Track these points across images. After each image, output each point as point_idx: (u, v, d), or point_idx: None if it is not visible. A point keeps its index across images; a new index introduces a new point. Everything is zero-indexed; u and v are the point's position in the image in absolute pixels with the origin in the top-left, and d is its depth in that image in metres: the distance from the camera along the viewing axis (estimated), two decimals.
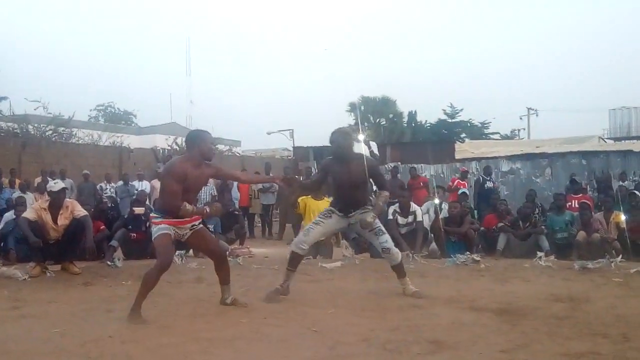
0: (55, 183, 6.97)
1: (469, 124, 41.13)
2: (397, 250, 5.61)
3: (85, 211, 7.06)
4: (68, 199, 7.16)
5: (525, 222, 9.13)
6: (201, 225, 5.20)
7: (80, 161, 17.53)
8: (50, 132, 20.89)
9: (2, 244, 8.43)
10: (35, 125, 20.80)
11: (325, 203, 8.60)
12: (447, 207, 9.34)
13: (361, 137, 10.05)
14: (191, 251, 9.36)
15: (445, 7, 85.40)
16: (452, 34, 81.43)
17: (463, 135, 40.31)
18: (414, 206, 8.50)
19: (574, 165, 19.48)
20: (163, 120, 42.02)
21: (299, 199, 9.01)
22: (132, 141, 30.23)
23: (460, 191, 11.66)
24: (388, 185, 5.69)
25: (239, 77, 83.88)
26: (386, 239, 5.50)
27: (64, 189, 6.99)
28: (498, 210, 9.81)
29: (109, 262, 7.42)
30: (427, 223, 8.66)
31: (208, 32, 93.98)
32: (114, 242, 8.75)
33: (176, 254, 7.94)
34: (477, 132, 40.63)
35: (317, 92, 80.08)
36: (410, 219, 8.37)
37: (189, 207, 4.85)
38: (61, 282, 6.48)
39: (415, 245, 8.06)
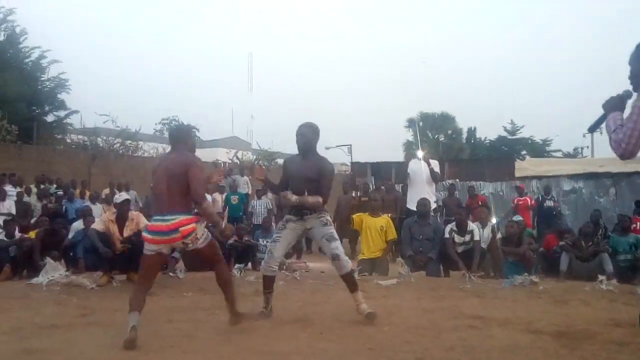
0: (119, 196, 7.29)
1: (530, 141, 40.38)
2: (346, 259, 5.35)
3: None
4: (133, 212, 7.46)
5: (588, 242, 8.95)
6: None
7: (146, 174, 18.08)
8: (118, 144, 21.68)
9: (71, 253, 8.81)
10: (104, 138, 21.64)
11: (382, 220, 8.69)
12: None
13: (420, 154, 9.99)
14: (249, 264, 9.58)
15: (507, 21, 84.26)
16: (513, 50, 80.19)
17: (524, 152, 39.61)
18: (471, 225, 8.43)
19: (638, 185, 18.87)
20: (225, 134, 42.81)
21: (354, 216, 9.07)
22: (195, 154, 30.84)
23: (512, 218, 11.47)
24: (325, 196, 5.30)
25: (298, 92, 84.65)
26: (337, 246, 5.26)
27: (126, 200, 7.31)
28: (559, 230, 9.66)
29: (171, 274, 7.67)
30: (484, 242, 8.57)
31: (270, 47, 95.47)
32: (176, 254, 9.02)
33: (235, 267, 8.16)
34: (539, 149, 39.83)
35: (376, 108, 80.00)
36: (467, 237, 8.32)
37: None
38: (126, 292, 6.66)
39: (472, 264, 7.99)
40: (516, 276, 7.38)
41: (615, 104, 3.00)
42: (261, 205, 14.37)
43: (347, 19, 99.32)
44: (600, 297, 6.52)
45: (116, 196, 7.48)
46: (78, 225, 9.24)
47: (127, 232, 7.17)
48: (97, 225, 7.17)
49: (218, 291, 6.73)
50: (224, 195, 14.95)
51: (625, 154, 2.91)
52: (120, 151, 21.39)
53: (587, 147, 40.41)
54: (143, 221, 7.26)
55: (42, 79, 22.00)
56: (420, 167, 9.25)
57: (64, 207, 12.69)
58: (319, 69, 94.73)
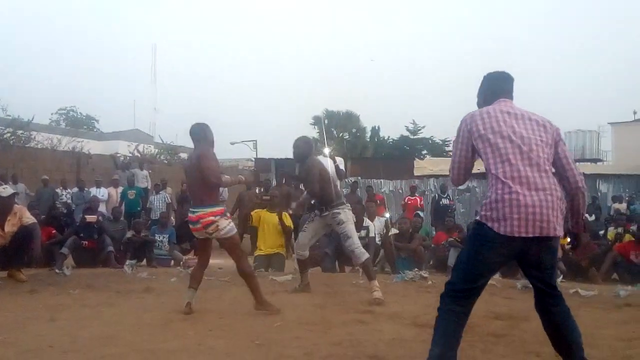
0: (4, 188, 6.87)
1: (430, 141, 41.74)
2: (363, 251, 6.09)
3: (33, 218, 6.98)
4: (17, 205, 7.07)
5: None
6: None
7: (37, 166, 17.24)
8: (9, 134, 20.49)
9: None
10: None
11: (276, 217, 8.67)
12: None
13: (326, 151, 10.14)
14: (144, 261, 9.34)
15: (410, 22, 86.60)
16: (417, 50, 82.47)
17: (424, 152, 40.93)
18: (367, 221, 8.58)
19: None
20: (126, 126, 41.49)
21: (253, 213, 9.04)
22: (94, 147, 29.79)
23: (415, 212, 11.79)
24: (312, 190, 6.21)
25: (203, 87, 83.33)
26: (350, 243, 6.03)
27: (13, 194, 6.91)
28: (447, 227, 10.00)
29: (57, 270, 7.36)
30: (378, 235, 8.72)
31: (174, 39, 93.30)
32: (64, 250, 8.69)
33: (127, 263, 7.94)
34: (439, 149, 41.22)
35: (281, 105, 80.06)
36: (362, 233, 8.45)
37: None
38: (6, 290, 6.39)
39: None
40: (407, 271, 7.59)
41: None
42: (160, 200, 13.99)
43: (253, 14, 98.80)
44: (484, 291, 6.78)
45: (0, 189, 7.04)
46: None
47: (9, 227, 6.77)
48: None
49: (105, 288, 6.59)
50: (119, 190, 14.46)
51: (453, 182, 3.41)
52: (12, 141, 20.17)
53: None
54: (27, 215, 6.91)
55: None
56: (326, 164, 9.31)
57: None
58: (225, 64, 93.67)
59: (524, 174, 3.02)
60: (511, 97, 3.37)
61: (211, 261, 10.14)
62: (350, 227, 6.09)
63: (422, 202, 14.83)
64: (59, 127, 38.20)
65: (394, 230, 9.12)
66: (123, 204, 13.60)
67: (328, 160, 9.86)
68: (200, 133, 5.29)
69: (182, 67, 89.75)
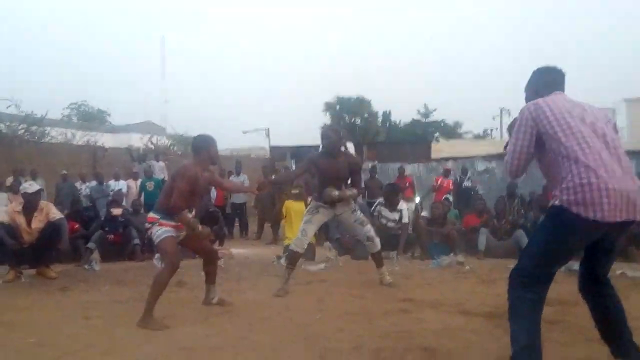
0: (29, 185, 6.72)
1: (442, 124, 41.52)
2: (378, 239, 6.11)
3: (60, 214, 6.84)
4: (43, 201, 6.93)
5: (502, 219, 9.09)
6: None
7: (54, 161, 17.12)
8: (23, 130, 20.47)
9: None
10: (7, 123, 20.34)
11: (303, 205, 8.49)
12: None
13: None
14: None
15: (420, 8, 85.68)
16: (427, 35, 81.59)
17: (436, 134, 40.71)
18: (402, 204, 8.36)
19: None
20: (137, 119, 41.45)
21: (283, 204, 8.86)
22: (106, 140, 29.73)
23: (444, 197, 11.55)
24: (361, 187, 6.24)
25: (214, 76, 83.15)
26: (370, 228, 6.08)
27: (39, 190, 6.77)
28: (478, 210, 9.78)
29: (86, 266, 7.22)
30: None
31: (183, 31, 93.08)
32: (91, 245, 8.56)
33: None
34: (450, 131, 41.04)
35: (293, 92, 79.73)
36: (396, 215, 8.25)
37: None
38: (37, 288, 6.26)
39: (399, 246, 7.96)
40: (443, 257, 7.40)
41: (512, 127, 3.22)
42: None
43: (262, 1, 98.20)
44: None
45: (25, 185, 6.88)
46: None
47: (35, 224, 6.64)
48: (2, 217, 6.60)
49: (135, 282, 6.46)
50: (138, 182, 14.35)
51: (510, 174, 3.20)
52: (26, 137, 20.12)
53: (497, 128, 42.15)
54: (54, 211, 6.76)
55: None
56: None
57: None
58: (234, 53, 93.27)
59: (605, 157, 2.91)
60: (564, 91, 3.30)
61: (236, 251, 10.23)
62: (363, 215, 6.14)
63: (452, 186, 14.48)
64: (72, 121, 38.17)
65: (424, 214, 8.92)
66: (142, 196, 13.54)
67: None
68: (197, 146, 5.08)
69: (191, 58, 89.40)
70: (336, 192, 5.81)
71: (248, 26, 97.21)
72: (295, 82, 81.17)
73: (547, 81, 3.31)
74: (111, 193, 13.48)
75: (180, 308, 5.22)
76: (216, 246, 9.93)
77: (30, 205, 6.62)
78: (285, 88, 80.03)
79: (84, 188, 14.55)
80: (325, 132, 5.97)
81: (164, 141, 28.37)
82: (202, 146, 5.02)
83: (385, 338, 4.18)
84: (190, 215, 4.98)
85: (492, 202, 16.75)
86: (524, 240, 8.56)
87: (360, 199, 10.27)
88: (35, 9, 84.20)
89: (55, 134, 23.51)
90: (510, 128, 3.27)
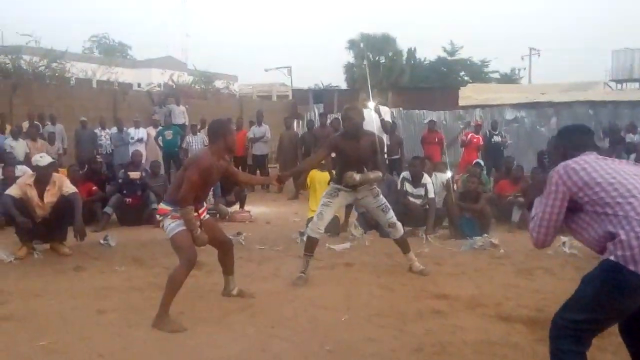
0: (41, 157, 6.37)
1: (468, 62, 40.29)
2: (400, 224, 5.80)
3: (74, 188, 6.49)
4: (56, 174, 6.59)
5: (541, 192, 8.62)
6: (208, 216, 4.99)
7: (74, 103, 16.78)
8: (44, 67, 20.08)
9: None
10: (28, 59, 19.94)
11: (327, 175, 8.07)
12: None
13: (371, 104, 9.51)
14: None
15: None
16: None
17: (462, 73, 39.55)
18: (426, 177, 7.89)
19: (580, 115, 18.92)
20: (159, 54, 40.82)
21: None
22: (127, 75, 29.33)
23: (474, 161, 11.01)
24: (384, 169, 6.01)
25: (236, 11, 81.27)
26: (392, 215, 5.74)
27: (52, 163, 6.43)
28: (513, 176, 9.31)
29: (101, 241, 6.93)
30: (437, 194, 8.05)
31: None
32: (108, 209, 8.33)
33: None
34: (477, 70, 39.85)
35: (316, 29, 77.74)
36: (421, 191, 7.81)
37: None
38: (50, 266, 5.99)
39: (427, 224, 7.55)
40: (475, 237, 7.00)
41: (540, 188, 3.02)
42: (197, 142, 13.45)
43: None
44: (565, 263, 6.20)
45: (36, 156, 6.52)
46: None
47: (48, 197, 6.32)
48: (13, 190, 6.26)
49: (152, 262, 6.18)
50: (157, 130, 14.00)
51: (537, 244, 2.98)
52: (47, 73, 19.72)
53: (524, 69, 40.87)
54: (67, 184, 6.43)
55: None
56: (371, 118, 8.57)
57: None
58: None
59: None
60: (594, 151, 3.02)
61: (257, 210, 9.93)
62: (385, 200, 5.82)
63: (482, 142, 13.84)
64: (93, 55, 37.73)
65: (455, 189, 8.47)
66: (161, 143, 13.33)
67: (373, 114, 9.23)
68: (213, 132, 4.68)
69: None
70: (357, 176, 5.45)
71: None
72: (318, 19, 79.07)
73: (576, 143, 3.08)
74: (131, 141, 13.21)
75: (199, 300, 4.93)
76: (236, 208, 9.67)
77: (42, 178, 6.29)
78: (308, 25, 78.01)
79: (104, 135, 14.26)
80: (347, 114, 5.58)
81: (185, 78, 27.86)
82: (219, 133, 4.60)
83: (418, 353, 3.86)
84: (195, 214, 4.57)
85: (520, 152, 16.17)
86: None
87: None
88: None
89: (76, 71, 23.14)
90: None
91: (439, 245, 7.07)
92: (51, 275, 5.70)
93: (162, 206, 4.61)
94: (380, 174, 5.64)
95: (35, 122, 13.19)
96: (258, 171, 13.63)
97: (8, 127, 12.56)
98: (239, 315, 4.58)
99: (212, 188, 9.54)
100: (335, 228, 7.45)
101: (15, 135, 11.61)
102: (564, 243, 6.57)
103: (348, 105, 5.84)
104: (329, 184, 7.16)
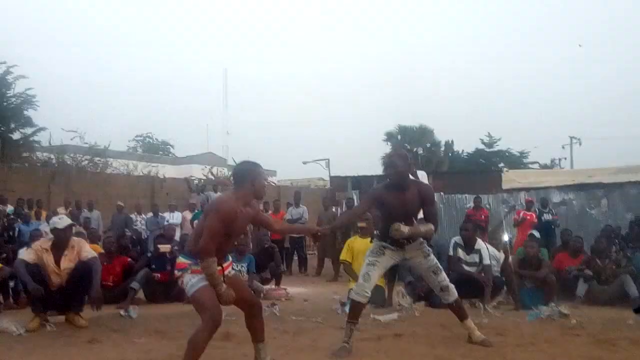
0: (59, 219, 5.91)
1: (507, 154, 39.86)
2: (454, 287, 5.05)
3: (93, 252, 5.98)
4: (75, 238, 6.09)
5: (603, 261, 7.82)
6: (234, 272, 4.37)
7: (112, 191, 16.83)
8: (87, 162, 20.47)
9: (14, 284, 7.25)
10: (72, 155, 20.37)
11: (369, 242, 7.39)
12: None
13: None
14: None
15: (482, 34, 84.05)
16: (486, 62, 79.79)
17: (501, 164, 38.99)
18: (479, 243, 7.14)
19: (632, 196, 17.96)
20: (200, 150, 41.57)
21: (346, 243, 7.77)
22: (168, 171, 29.64)
23: (529, 232, 10.29)
24: (436, 223, 5.11)
25: (274, 107, 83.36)
26: (444, 277, 5.04)
27: (71, 225, 5.93)
28: (573, 248, 8.51)
29: (122, 313, 6.32)
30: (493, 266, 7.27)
31: (245, 63, 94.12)
32: (134, 284, 7.74)
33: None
34: (516, 161, 39.21)
35: (354, 122, 78.82)
36: (475, 257, 7.04)
37: None
38: (62, 339, 5.34)
39: (485, 294, 6.73)
40: (542, 307, 6.17)
41: None
42: None
43: (321, 31, 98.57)
44: None
45: (54, 219, 6.08)
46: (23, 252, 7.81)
47: (65, 263, 5.79)
48: (27, 254, 5.75)
49: (176, 334, 5.50)
50: (193, 214, 13.68)
51: None
52: (89, 168, 20.03)
53: (565, 158, 40.07)
54: (87, 249, 5.92)
55: (8, 95, 20.62)
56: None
57: (17, 229, 11.28)
58: (294, 83, 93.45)
59: None
60: None
61: (294, 290, 9.22)
62: (437, 261, 5.09)
63: (535, 218, 13.17)
64: (136, 153, 38.56)
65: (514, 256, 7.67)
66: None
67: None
68: (239, 175, 4.13)
69: (252, 89, 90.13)
70: (406, 229, 4.73)
71: (308, 58, 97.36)
72: (356, 112, 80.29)
73: None
74: (165, 225, 12.87)
75: None
76: (272, 286, 9.00)
77: (60, 242, 5.78)
78: (346, 118, 79.11)
79: (139, 220, 14.06)
80: (390, 160, 4.88)
81: (224, 172, 28.01)
82: (245, 176, 4.04)
83: None
84: (219, 268, 3.97)
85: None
86: (632, 286, 7.29)
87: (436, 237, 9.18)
88: (99, 48, 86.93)
89: (118, 165, 23.54)
90: None
91: (499, 316, 6.24)
92: (61, 348, 5.05)
93: (181, 259, 4.07)
94: (432, 226, 4.93)
95: (71, 209, 13.06)
96: (296, 254, 13.07)
97: (44, 213, 12.46)
98: None
99: (247, 264, 8.96)
100: (381, 298, 6.69)
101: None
102: None
103: (391, 151, 5.24)
104: None
